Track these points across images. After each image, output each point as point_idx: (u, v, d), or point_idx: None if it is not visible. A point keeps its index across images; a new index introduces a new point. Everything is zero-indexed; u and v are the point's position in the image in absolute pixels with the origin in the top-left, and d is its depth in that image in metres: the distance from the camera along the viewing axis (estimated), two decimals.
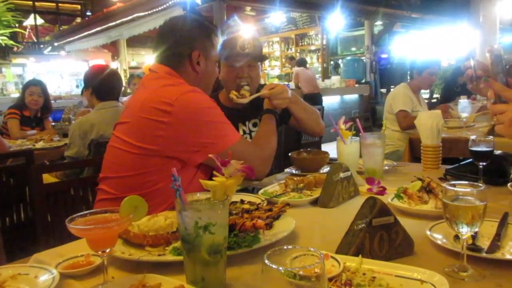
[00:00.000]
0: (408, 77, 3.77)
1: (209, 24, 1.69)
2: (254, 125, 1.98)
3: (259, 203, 1.17)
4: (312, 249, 0.60)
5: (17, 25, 10.36)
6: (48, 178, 2.43)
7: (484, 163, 1.48)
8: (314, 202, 1.38)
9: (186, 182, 1.43)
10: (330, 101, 8.92)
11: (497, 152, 1.56)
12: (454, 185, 0.88)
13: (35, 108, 4.15)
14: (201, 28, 1.62)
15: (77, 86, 12.84)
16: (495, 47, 1.03)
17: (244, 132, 1.96)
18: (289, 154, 1.88)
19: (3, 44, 9.35)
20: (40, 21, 14.66)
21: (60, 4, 14.75)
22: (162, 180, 1.42)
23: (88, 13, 14.60)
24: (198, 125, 1.39)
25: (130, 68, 12.48)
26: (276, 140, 1.67)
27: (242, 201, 1.17)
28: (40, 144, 3.39)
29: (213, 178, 0.84)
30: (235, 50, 1.85)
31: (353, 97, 9.68)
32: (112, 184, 1.48)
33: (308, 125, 1.97)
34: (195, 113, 1.40)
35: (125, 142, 1.44)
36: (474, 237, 0.97)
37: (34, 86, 4.12)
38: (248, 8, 9.01)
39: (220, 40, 1.68)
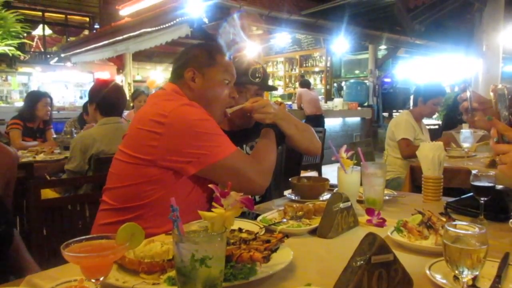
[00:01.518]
0: (411, 103, 3.75)
1: (215, 44, 1.71)
2: (252, 148, 1.97)
3: (257, 232, 1.15)
4: None
5: (25, 34, 10.48)
6: (46, 190, 2.42)
7: (485, 198, 1.47)
8: (313, 232, 1.37)
9: (184, 195, 1.46)
10: (332, 123, 8.95)
11: (499, 187, 1.55)
12: (454, 226, 0.87)
13: (47, 119, 4.21)
14: (201, 46, 1.67)
15: (81, 97, 12.92)
16: (499, 86, 1.04)
17: None
18: (289, 179, 1.87)
19: (11, 55, 9.44)
20: (48, 31, 14.84)
21: (69, 16, 14.95)
22: (159, 191, 1.44)
23: (96, 26, 14.79)
24: (191, 136, 1.42)
25: (135, 81, 12.58)
26: (274, 154, 1.66)
27: (240, 230, 1.16)
28: (40, 157, 3.38)
29: (212, 210, 0.84)
30: (246, 78, 1.87)
31: (355, 120, 9.71)
32: (112, 195, 1.52)
33: (301, 143, 1.91)
34: (188, 124, 1.43)
35: (123, 153, 1.49)
36: (474, 278, 0.95)
37: (47, 98, 4.19)
38: (255, 28, 9.11)
39: (227, 59, 1.67)
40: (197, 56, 1.62)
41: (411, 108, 3.82)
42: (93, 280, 0.82)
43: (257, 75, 1.88)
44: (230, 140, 1.52)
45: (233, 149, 1.48)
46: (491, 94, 1.01)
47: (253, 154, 1.66)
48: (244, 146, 1.96)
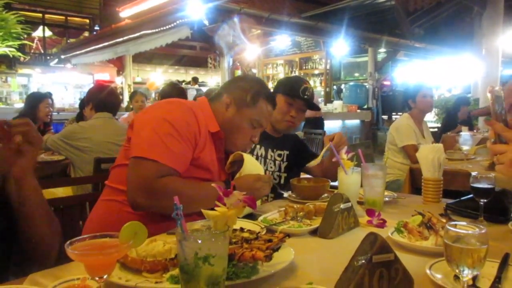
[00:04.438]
0: (407, 109, 3.71)
1: (266, 89, 1.71)
2: (279, 155, 2.17)
3: (259, 232, 1.16)
4: None
5: (25, 36, 10.50)
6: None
7: (485, 200, 1.48)
8: (314, 232, 1.38)
9: None
10: (331, 126, 8.94)
11: (498, 188, 1.55)
12: (455, 226, 0.88)
13: (47, 120, 4.23)
14: (251, 84, 1.67)
15: (80, 99, 12.92)
16: (496, 88, 1.05)
17: (261, 156, 2.13)
18: (290, 180, 1.88)
19: (11, 56, 9.45)
20: (48, 33, 14.85)
21: (69, 18, 14.97)
22: None
23: (96, 28, 14.80)
24: (142, 128, 1.44)
25: (135, 83, 12.58)
26: (192, 194, 1.41)
27: (242, 229, 1.17)
28: (40, 158, 3.38)
29: (215, 208, 0.84)
30: (297, 93, 2.10)
31: (354, 122, 9.71)
32: (110, 174, 1.60)
33: (332, 174, 1.86)
34: (150, 118, 1.48)
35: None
36: (474, 278, 0.96)
37: (48, 99, 4.22)
38: (254, 30, 9.13)
39: (268, 108, 1.68)
40: (242, 89, 1.63)
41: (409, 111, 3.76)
42: (97, 278, 0.82)
43: (306, 93, 2.12)
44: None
45: (153, 156, 1.32)
46: (488, 95, 1.02)
47: (171, 179, 1.37)
48: (275, 150, 2.17)
